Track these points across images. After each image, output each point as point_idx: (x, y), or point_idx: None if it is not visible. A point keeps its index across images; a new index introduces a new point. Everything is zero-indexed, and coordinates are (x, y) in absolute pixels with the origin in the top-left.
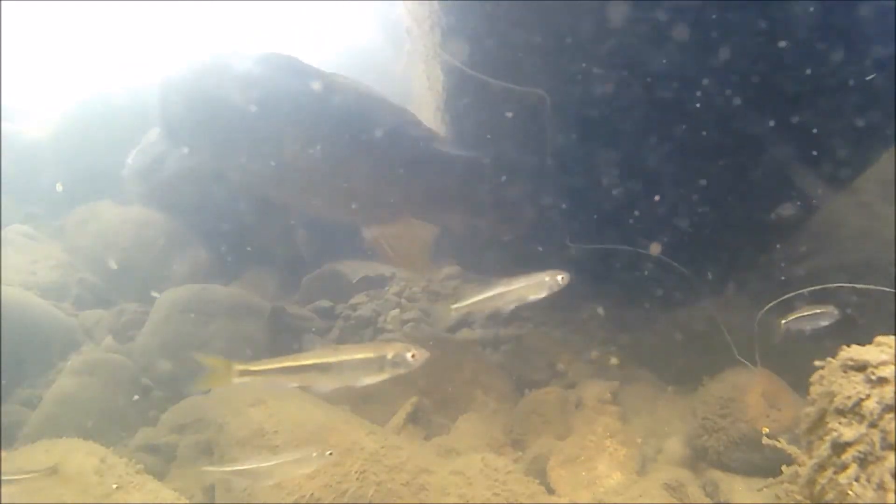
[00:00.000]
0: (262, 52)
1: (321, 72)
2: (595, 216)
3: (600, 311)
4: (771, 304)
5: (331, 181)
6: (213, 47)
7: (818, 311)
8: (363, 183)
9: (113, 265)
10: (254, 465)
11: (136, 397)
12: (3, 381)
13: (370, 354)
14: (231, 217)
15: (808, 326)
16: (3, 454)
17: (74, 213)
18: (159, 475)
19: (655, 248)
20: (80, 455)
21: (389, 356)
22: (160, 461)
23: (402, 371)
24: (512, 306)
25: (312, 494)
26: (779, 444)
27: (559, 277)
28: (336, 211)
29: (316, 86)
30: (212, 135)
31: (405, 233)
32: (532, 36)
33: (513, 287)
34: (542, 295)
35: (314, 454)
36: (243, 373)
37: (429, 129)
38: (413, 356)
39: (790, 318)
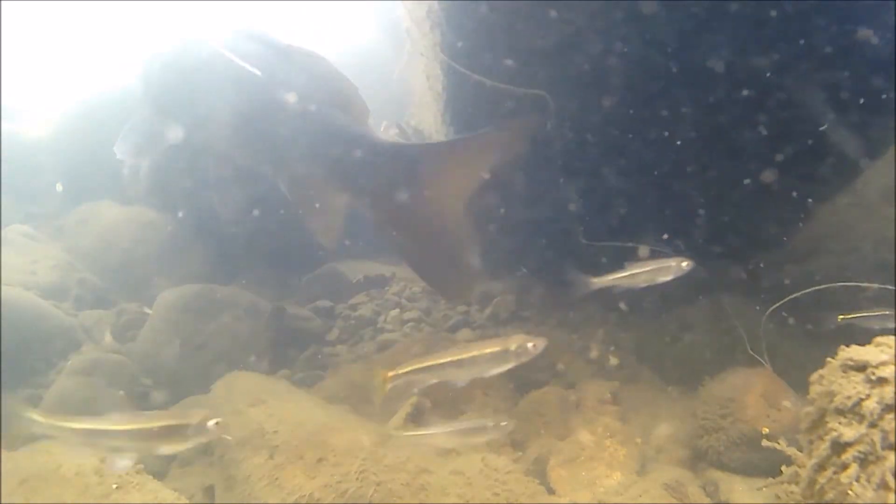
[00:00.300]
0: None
1: (277, 42)
2: (597, 217)
3: (622, 306)
4: (775, 306)
5: (264, 150)
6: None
7: (887, 311)
8: (286, 154)
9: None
10: (438, 430)
11: (122, 392)
12: (2, 381)
13: (497, 348)
14: (225, 205)
15: (876, 326)
16: (3, 454)
17: (74, 213)
18: (159, 475)
19: (644, 251)
20: (79, 455)
21: (513, 348)
22: (160, 461)
23: (524, 360)
24: (643, 286)
25: (312, 494)
26: (778, 447)
27: (684, 264)
28: (277, 179)
29: (263, 55)
30: (186, 104)
31: (320, 202)
32: (534, 37)
33: (646, 269)
34: (669, 278)
35: (491, 423)
36: (394, 377)
37: (356, 109)
38: (533, 346)
39: (852, 315)
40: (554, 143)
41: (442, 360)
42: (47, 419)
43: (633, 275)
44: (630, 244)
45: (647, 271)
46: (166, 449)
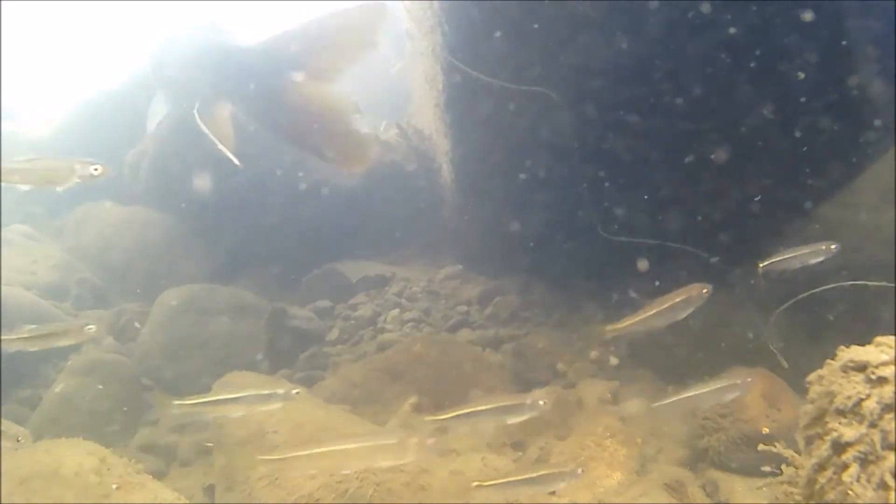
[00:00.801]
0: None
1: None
2: (592, 217)
3: (633, 294)
4: (784, 306)
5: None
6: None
7: None
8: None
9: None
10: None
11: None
12: (2, 381)
13: (681, 297)
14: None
15: None
16: (3, 454)
17: (74, 213)
18: (159, 475)
19: (643, 265)
20: (80, 455)
21: (694, 294)
22: (160, 461)
23: (699, 304)
24: (796, 266)
25: (312, 494)
26: (775, 449)
27: (833, 246)
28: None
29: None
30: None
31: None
32: (532, 36)
33: (803, 251)
34: (820, 259)
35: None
36: (612, 331)
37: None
38: (701, 292)
39: None
40: (563, 138)
41: (649, 312)
42: (437, 416)
43: (794, 256)
44: (644, 241)
45: (805, 253)
46: (512, 420)
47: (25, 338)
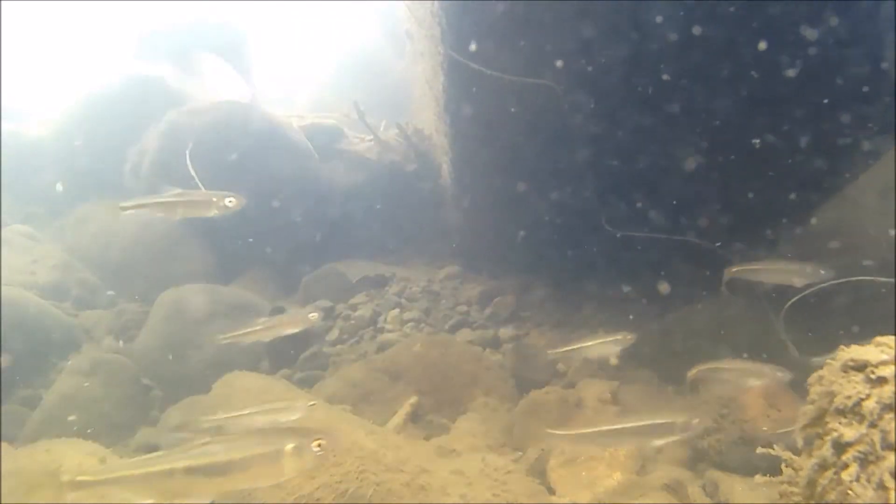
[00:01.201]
0: None
1: None
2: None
3: (626, 288)
4: (788, 304)
5: None
6: None
7: None
8: None
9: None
10: None
11: None
12: (2, 381)
13: (793, 265)
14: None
15: None
16: (4, 454)
17: (74, 213)
18: None
19: (665, 288)
20: (79, 455)
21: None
22: None
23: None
24: None
25: (312, 494)
26: (773, 452)
27: None
28: None
29: None
30: None
31: None
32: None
33: None
34: None
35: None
36: (735, 273)
37: None
38: (823, 271)
39: None
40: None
41: (772, 266)
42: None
43: None
44: (650, 235)
45: None
46: (657, 443)
47: (259, 329)
